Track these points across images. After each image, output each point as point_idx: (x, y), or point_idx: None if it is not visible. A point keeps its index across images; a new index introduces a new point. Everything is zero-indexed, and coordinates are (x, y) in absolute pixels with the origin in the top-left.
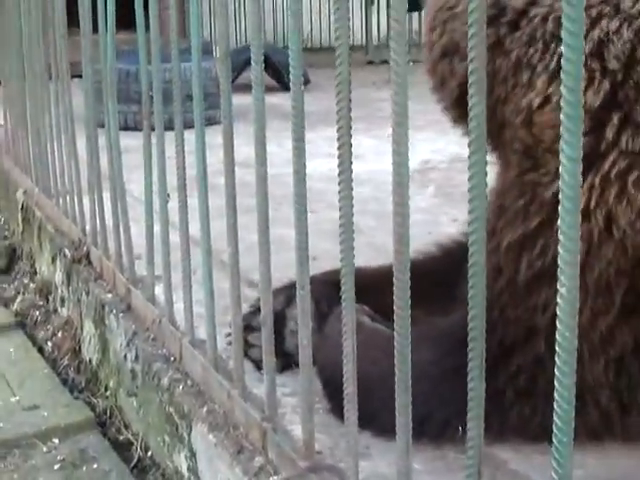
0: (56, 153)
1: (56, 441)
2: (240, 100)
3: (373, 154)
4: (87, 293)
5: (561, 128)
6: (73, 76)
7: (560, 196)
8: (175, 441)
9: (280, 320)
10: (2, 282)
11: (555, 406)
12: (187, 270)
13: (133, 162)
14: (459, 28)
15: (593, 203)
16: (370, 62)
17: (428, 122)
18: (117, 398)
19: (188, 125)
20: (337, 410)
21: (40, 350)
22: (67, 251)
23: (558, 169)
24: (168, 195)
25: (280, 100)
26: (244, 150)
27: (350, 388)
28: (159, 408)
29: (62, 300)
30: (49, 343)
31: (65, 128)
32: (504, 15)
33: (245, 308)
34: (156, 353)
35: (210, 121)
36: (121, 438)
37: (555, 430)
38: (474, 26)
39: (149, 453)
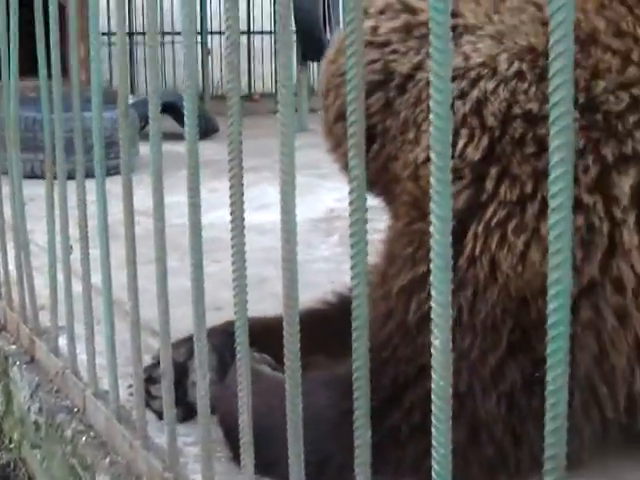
0: None
1: None
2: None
3: (278, 204)
4: None
5: (431, 190)
6: None
7: (431, 254)
8: None
9: (182, 372)
10: None
11: (433, 453)
12: (89, 321)
13: (40, 211)
14: None
15: (478, 250)
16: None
17: (334, 170)
18: (21, 450)
19: (93, 174)
20: (238, 458)
21: None
22: None
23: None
24: (71, 247)
25: None
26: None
27: (246, 437)
28: (62, 460)
29: None
30: None
31: None
32: (392, 80)
33: (148, 359)
34: (59, 405)
35: (117, 170)
36: None
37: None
38: (353, 92)
39: None
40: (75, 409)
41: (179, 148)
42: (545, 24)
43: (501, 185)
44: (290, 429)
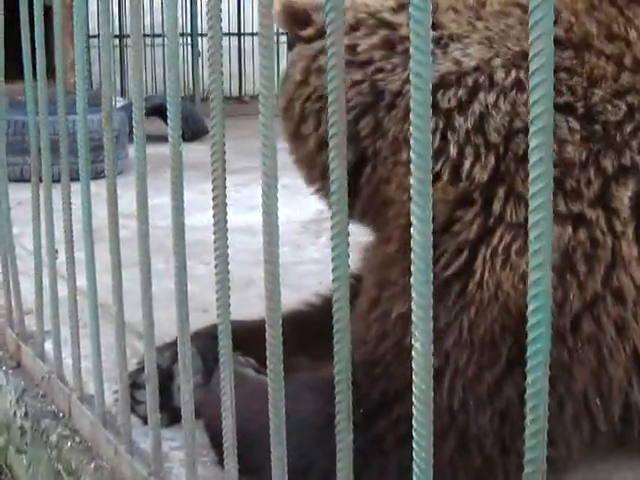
0: None
1: None
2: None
3: None
4: None
5: (412, 229)
6: None
7: (412, 293)
8: None
9: (167, 376)
10: None
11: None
12: (75, 326)
13: (28, 214)
14: None
15: (487, 274)
16: None
17: None
18: (7, 455)
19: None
20: (223, 462)
21: None
22: None
23: (449, 245)
24: (56, 251)
25: None
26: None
27: (229, 441)
28: (48, 465)
29: None
30: None
31: None
32: (382, 99)
33: (134, 364)
34: (45, 410)
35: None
36: None
37: None
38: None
39: None
40: (61, 414)
41: (167, 150)
42: None
43: (507, 206)
44: (273, 433)
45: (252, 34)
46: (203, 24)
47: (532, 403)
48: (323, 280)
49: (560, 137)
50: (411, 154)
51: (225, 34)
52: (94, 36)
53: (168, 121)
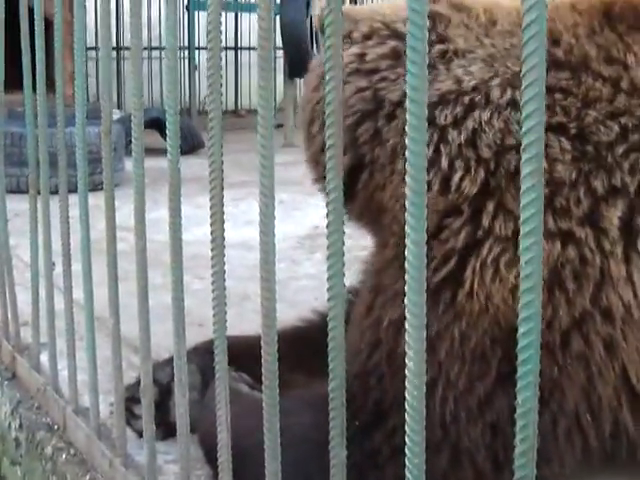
0: None
1: None
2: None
3: None
4: None
5: (406, 239)
6: None
7: (406, 301)
8: None
9: (165, 392)
10: None
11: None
12: (71, 339)
13: (25, 226)
14: None
15: (476, 285)
16: None
17: None
18: (1, 467)
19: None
20: (218, 477)
21: None
22: None
23: (438, 251)
24: (53, 263)
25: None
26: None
27: (224, 456)
28: (42, 477)
29: None
30: None
31: None
32: (382, 108)
33: (130, 377)
34: (40, 422)
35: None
36: None
37: None
38: (330, 117)
39: None
40: (55, 426)
41: (164, 163)
42: None
43: (496, 220)
44: (267, 448)
45: (249, 48)
46: (200, 38)
47: (522, 422)
48: (318, 296)
49: (551, 156)
50: (406, 165)
51: (222, 48)
52: (91, 48)
53: (167, 139)
